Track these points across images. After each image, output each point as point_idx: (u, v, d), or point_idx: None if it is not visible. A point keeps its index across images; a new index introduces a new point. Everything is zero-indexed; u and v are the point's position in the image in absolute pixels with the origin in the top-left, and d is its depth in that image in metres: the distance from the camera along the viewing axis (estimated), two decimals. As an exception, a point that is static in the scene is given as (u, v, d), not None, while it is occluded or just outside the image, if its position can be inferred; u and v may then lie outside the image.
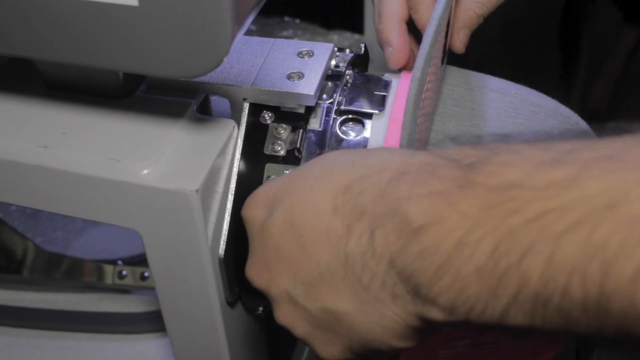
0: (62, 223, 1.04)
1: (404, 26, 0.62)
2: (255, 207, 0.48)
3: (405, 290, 0.39)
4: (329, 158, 0.46)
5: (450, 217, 0.36)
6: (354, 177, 0.42)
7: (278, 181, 0.48)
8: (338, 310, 0.43)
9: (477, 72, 0.64)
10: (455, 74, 0.62)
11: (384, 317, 0.41)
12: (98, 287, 0.92)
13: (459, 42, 0.64)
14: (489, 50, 1.80)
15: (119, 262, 0.93)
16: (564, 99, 1.76)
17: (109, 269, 0.91)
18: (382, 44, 0.62)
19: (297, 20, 1.44)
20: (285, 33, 1.41)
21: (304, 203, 0.44)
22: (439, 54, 0.55)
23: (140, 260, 0.94)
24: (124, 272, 0.91)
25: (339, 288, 0.42)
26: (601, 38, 1.86)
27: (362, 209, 0.41)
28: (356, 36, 1.37)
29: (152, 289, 0.91)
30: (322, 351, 0.46)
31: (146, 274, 0.90)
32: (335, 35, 1.38)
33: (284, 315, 0.46)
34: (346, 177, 0.42)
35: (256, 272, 0.47)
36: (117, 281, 0.91)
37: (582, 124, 0.61)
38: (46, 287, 0.93)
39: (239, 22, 0.42)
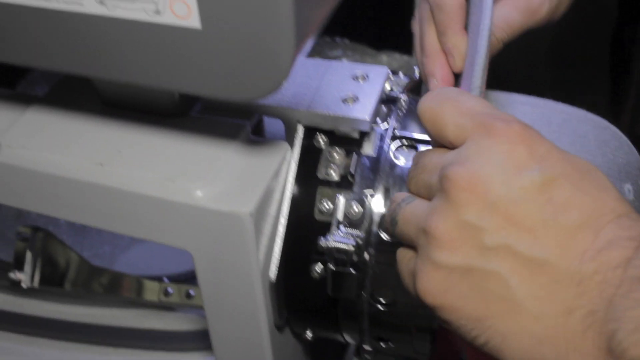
0: (110, 238, 1.04)
1: (445, 57, 0.62)
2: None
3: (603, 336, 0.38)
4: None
5: None
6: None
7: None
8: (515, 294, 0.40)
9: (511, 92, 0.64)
10: (485, 95, 0.62)
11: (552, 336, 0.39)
12: (142, 303, 0.92)
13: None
14: (536, 72, 1.78)
15: (165, 280, 0.93)
16: (613, 123, 1.73)
17: (154, 286, 0.91)
18: (426, 76, 0.63)
19: (347, 41, 1.44)
20: (334, 53, 1.41)
21: None
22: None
23: (186, 279, 0.95)
24: (170, 290, 0.91)
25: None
26: (653, 61, 1.84)
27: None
28: (405, 57, 1.37)
29: (197, 307, 0.91)
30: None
31: (192, 292, 0.90)
32: (384, 56, 1.38)
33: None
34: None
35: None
36: (163, 298, 0.91)
37: (613, 128, 0.61)
38: (91, 301, 0.94)
39: (299, 45, 0.42)
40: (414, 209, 0.45)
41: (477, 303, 0.41)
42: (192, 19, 0.41)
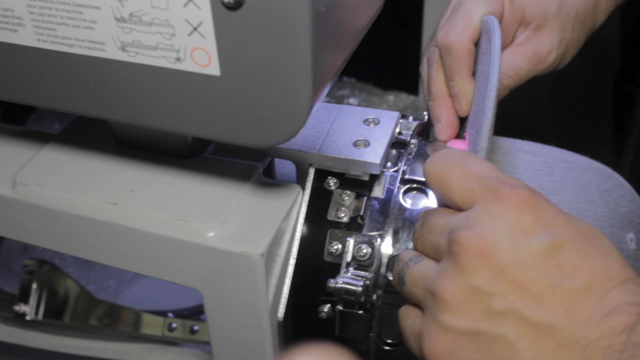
0: (115, 272, 1.05)
1: (452, 102, 0.64)
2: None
3: None
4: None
5: None
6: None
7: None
8: None
9: (510, 138, 0.65)
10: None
11: None
12: (147, 338, 0.93)
13: None
14: (540, 111, 1.80)
15: (170, 315, 0.94)
16: (616, 162, 1.73)
17: (158, 320, 0.92)
18: (433, 119, 0.64)
19: (354, 80, 1.46)
20: (342, 92, 1.43)
21: None
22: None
23: (190, 314, 0.95)
24: (174, 325, 0.91)
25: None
26: (656, 102, 1.85)
27: None
28: (412, 97, 1.38)
29: (201, 342, 0.91)
30: None
31: (196, 328, 0.91)
32: (391, 96, 1.40)
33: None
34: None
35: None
36: (167, 333, 0.91)
37: (616, 176, 0.61)
38: (94, 335, 0.94)
39: (316, 95, 0.43)
40: (422, 270, 0.46)
41: None
42: (212, 67, 0.42)
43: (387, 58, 1.49)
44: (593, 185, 0.58)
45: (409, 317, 0.47)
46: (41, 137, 0.63)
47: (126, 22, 0.42)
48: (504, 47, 0.67)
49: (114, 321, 0.92)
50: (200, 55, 0.42)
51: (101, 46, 0.44)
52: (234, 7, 0.39)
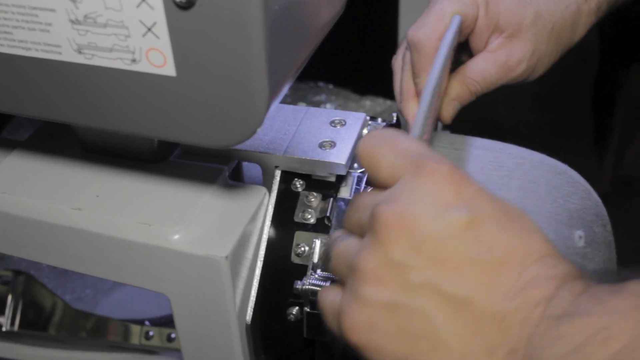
0: (92, 282, 1.04)
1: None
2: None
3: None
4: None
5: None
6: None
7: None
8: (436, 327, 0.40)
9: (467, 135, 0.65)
10: (442, 137, 0.63)
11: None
12: (124, 347, 0.92)
13: (447, 114, 0.65)
14: (522, 116, 1.80)
15: (147, 323, 0.93)
16: (597, 165, 1.74)
17: (135, 329, 0.91)
18: (406, 117, 0.64)
19: (330, 86, 1.46)
20: (318, 98, 1.43)
21: None
22: (430, 127, 0.56)
23: (167, 322, 0.94)
24: (151, 333, 0.91)
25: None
26: (635, 104, 1.86)
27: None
28: (388, 102, 1.38)
29: (179, 350, 0.91)
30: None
31: (173, 336, 0.90)
32: (367, 101, 1.40)
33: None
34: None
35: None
36: (144, 342, 0.90)
37: (570, 173, 0.61)
38: (73, 345, 0.93)
39: (273, 93, 0.42)
40: (346, 246, 0.45)
41: (402, 342, 0.41)
42: (167, 67, 0.42)
43: (364, 63, 1.49)
44: (542, 181, 0.58)
45: (328, 295, 0.46)
46: (7, 145, 0.62)
47: (81, 24, 0.42)
48: (476, 51, 0.67)
49: (92, 331, 0.91)
50: (156, 56, 0.42)
51: (57, 49, 0.44)
52: (186, 6, 0.39)
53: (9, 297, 0.91)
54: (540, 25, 0.66)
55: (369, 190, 0.48)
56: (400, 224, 0.40)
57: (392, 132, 0.46)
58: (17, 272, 0.92)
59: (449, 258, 0.40)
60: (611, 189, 1.85)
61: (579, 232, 0.57)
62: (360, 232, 0.45)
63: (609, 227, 0.62)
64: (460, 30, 0.63)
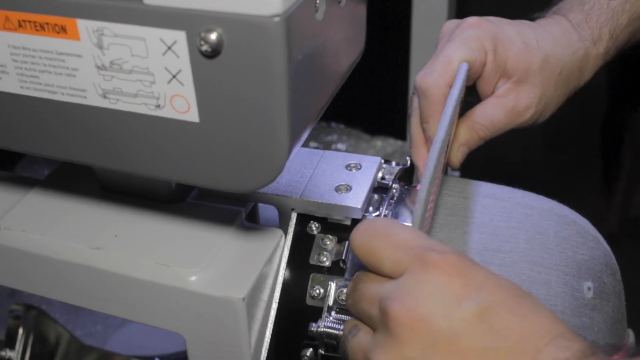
0: (102, 317, 1.05)
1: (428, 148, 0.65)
2: None
3: None
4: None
5: None
6: None
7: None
8: None
9: (475, 180, 0.65)
10: (451, 183, 0.63)
11: None
12: (134, 383, 0.92)
13: (456, 159, 0.66)
14: (530, 156, 1.81)
15: (156, 359, 0.93)
16: (605, 206, 1.74)
17: (146, 365, 0.91)
18: (415, 165, 0.65)
19: (342, 126, 1.47)
20: (330, 138, 1.44)
21: None
22: (440, 173, 0.57)
23: (177, 359, 0.95)
24: (161, 370, 0.91)
25: None
26: (643, 145, 1.87)
27: None
28: (399, 142, 1.39)
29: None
30: None
31: (183, 373, 0.90)
32: (378, 141, 1.41)
33: None
34: None
35: None
36: (154, 378, 0.91)
37: (580, 222, 0.61)
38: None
39: (294, 140, 0.43)
40: (359, 342, 0.46)
41: None
42: (190, 113, 0.43)
43: (375, 104, 1.50)
44: (551, 232, 0.58)
45: None
46: (27, 183, 0.63)
47: (107, 69, 0.43)
48: (484, 96, 0.68)
49: (101, 366, 0.92)
50: (180, 102, 0.43)
51: (83, 93, 0.45)
52: (212, 55, 0.40)
53: (20, 332, 0.92)
54: (547, 70, 0.67)
55: (369, 274, 0.48)
56: (414, 323, 0.41)
57: (384, 223, 0.47)
58: (29, 307, 0.92)
59: (464, 352, 0.40)
60: (619, 230, 1.85)
61: (588, 284, 0.57)
62: (371, 324, 0.46)
63: (618, 276, 0.62)
64: (468, 75, 0.64)
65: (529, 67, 0.66)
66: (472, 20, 0.66)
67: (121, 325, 1.05)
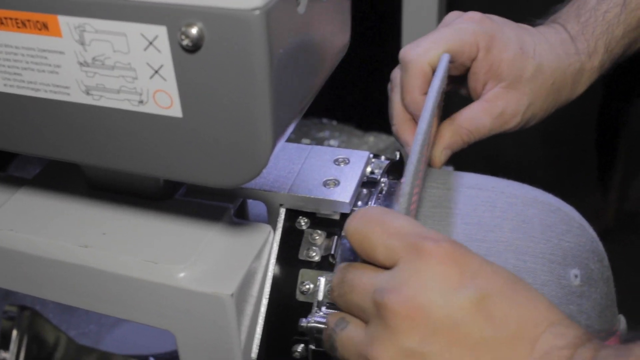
0: (96, 317, 1.04)
1: (414, 123, 0.64)
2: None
3: None
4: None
5: None
6: None
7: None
8: None
9: (458, 171, 0.65)
10: (434, 175, 0.63)
11: None
12: (129, 382, 0.92)
13: (439, 161, 0.65)
14: (527, 152, 1.81)
15: (151, 359, 0.93)
16: (601, 200, 1.74)
17: (140, 364, 0.91)
18: (401, 145, 0.64)
19: (334, 122, 1.47)
20: (322, 134, 1.44)
21: None
22: (423, 165, 0.57)
23: (172, 358, 0.94)
24: (155, 369, 0.91)
25: None
26: (638, 139, 1.87)
27: None
28: (392, 138, 1.39)
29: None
30: None
31: (177, 371, 0.90)
32: (371, 137, 1.41)
33: None
34: None
35: None
36: (148, 377, 0.90)
37: (565, 209, 0.61)
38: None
39: (278, 134, 0.43)
40: (350, 335, 0.46)
41: None
42: (174, 109, 0.43)
43: (367, 100, 1.50)
44: (536, 220, 0.58)
45: None
46: (15, 182, 0.63)
47: (89, 66, 0.43)
48: (472, 92, 0.67)
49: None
50: (162, 98, 0.42)
51: (66, 90, 0.45)
52: (193, 49, 0.40)
53: (14, 333, 0.92)
54: (540, 79, 0.66)
55: (359, 264, 0.48)
56: (412, 313, 0.41)
57: (379, 211, 0.47)
58: (22, 308, 0.92)
59: (464, 340, 0.41)
60: (615, 224, 1.86)
61: (575, 271, 0.57)
62: (363, 316, 0.45)
63: (605, 262, 0.62)
64: (456, 66, 0.63)
65: (521, 73, 0.65)
66: (474, 14, 0.66)
67: (115, 325, 1.05)
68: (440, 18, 1.37)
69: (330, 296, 0.49)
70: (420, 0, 1.34)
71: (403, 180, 0.50)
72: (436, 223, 0.58)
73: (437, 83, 0.56)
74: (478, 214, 0.58)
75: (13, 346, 0.91)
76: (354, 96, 1.53)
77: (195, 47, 0.39)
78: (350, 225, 0.47)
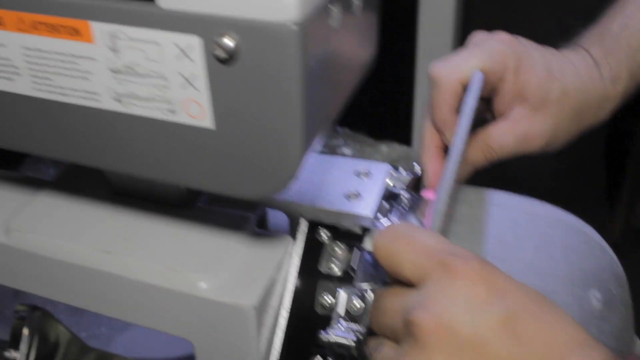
0: (107, 319, 1.04)
1: (439, 152, 0.65)
2: None
3: None
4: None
5: None
6: None
7: None
8: None
9: (481, 187, 0.65)
10: (459, 191, 0.63)
11: None
12: (138, 386, 0.92)
13: (461, 177, 0.65)
14: (535, 165, 1.81)
15: (162, 363, 0.93)
16: (608, 216, 1.73)
17: (151, 369, 0.91)
18: (422, 167, 0.65)
19: (347, 130, 1.47)
20: (335, 142, 1.44)
21: None
22: (455, 183, 0.57)
23: (182, 363, 0.94)
24: (166, 374, 0.91)
25: None
26: (647, 156, 1.87)
27: None
28: (404, 148, 1.39)
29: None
30: None
31: (187, 377, 0.90)
32: (384, 146, 1.40)
33: None
34: None
35: None
36: (158, 382, 0.90)
37: (586, 231, 0.60)
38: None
39: (306, 147, 0.43)
40: (384, 356, 0.46)
41: None
42: (205, 119, 0.43)
43: (380, 108, 1.50)
44: (558, 241, 0.58)
45: None
46: (36, 183, 0.63)
47: (121, 73, 0.43)
48: (498, 113, 0.67)
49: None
50: (194, 108, 0.42)
51: (96, 96, 0.45)
52: (227, 60, 0.40)
53: (25, 332, 0.91)
54: (565, 102, 0.66)
55: (390, 289, 0.48)
56: (440, 330, 0.41)
57: (408, 227, 0.47)
58: (34, 308, 0.92)
59: (490, 359, 0.40)
60: (621, 239, 1.85)
61: (596, 293, 0.57)
62: (395, 337, 0.46)
63: (625, 286, 0.62)
64: (484, 87, 0.63)
65: (547, 95, 0.65)
66: (503, 35, 0.66)
67: (125, 328, 1.04)
68: (455, 30, 1.36)
69: (370, 323, 0.50)
70: (436, 10, 1.34)
71: (426, 193, 0.50)
72: (459, 239, 0.58)
73: (473, 101, 0.56)
74: (501, 233, 0.58)
75: (23, 346, 0.91)
76: (367, 105, 1.53)
77: (229, 58, 0.39)
78: (378, 241, 0.47)
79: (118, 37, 0.42)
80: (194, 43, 0.40)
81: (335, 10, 0.43)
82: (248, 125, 0.42)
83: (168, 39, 0.40)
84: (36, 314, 0.92)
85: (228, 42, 0.39)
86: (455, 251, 0.44)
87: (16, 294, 1.10)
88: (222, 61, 0.40)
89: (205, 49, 0.40)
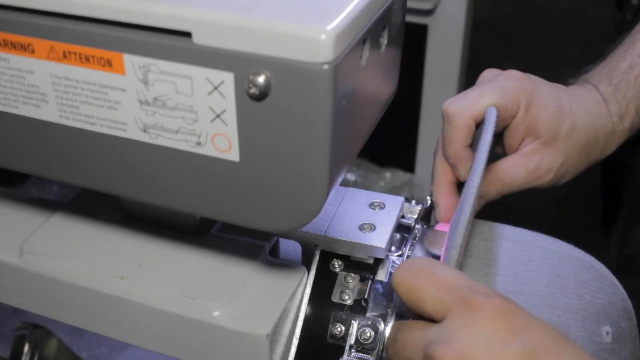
0: (107, 339, 1.04)
1: (451, 187, 0.66)
2: None
3: None
4: None
5: None
6: None
7: None
8: None
9: (493, 222, 0.65)
10: (473, 226, 0.63)
11: None
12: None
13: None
14: (531, 194, 1.82)
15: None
16: (603, 244, 1.74)
17: (150, 389, 0.91)
18: (433, 203, 0.65)
19: (353, 157, 1.48)
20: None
21: None
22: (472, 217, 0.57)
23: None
24: (165, 395, 0.90)
25: None
26: (642, 185, 1.89)
27: None
28: (408, 175, 1.40)
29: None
30: None
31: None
32: (388, 173, 1.41)
33: None
34: None
35: None
36: (158, 404, 0.90)
37: (598, 267, 0.62)
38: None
39: (332, 183, 0.44)
40: None
41: None
42: (231, 153, 0.43)
43: (385, 135, 1.51)
44: (570, 276, 0.59)
45: None
46: (49, 206, 0.63)
47: (150, 105, 0.43)
48: (508, 149, 0.68)
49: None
50: (221, 141, 0.43)
51: (123, 126, 0.45)
52: (259, 98, 0.40)
53: (25, 350, 0.91)
54: (574, 138, 0.68)
55: (410, 322, 0.49)
56: None
57: (427, 262, 0.48)
58: (34, 326, 0.92)
59: None
60: (616, 267, 1.86)
61: (607, 328, 0.58)
62: None
63: (634, 321, 0.62)
64: (496, 123, 0.64)
65: (557, 131, 0.67)
66: (514, 72, 0.67)
67: (126, 347, 1.04)
68: (462, 62, 1.38)
69: (385, 355, 0.50)
70: (443, 39, 1.36)
71: (440, 227, 0.51)
72: (473, 273, 0.59)
73: (489, 136, 0.57)
74: (514, 267, 0.59)
75: (23, 364, 0.91)
76: (372, 131, 1.54)
77: (261, 95, 0.40)
78: (398, 276, 0.47)
79: (150, 70, 0.42)
80: (226, 79, 0.40)
81: (365, 50, 0.44)
82: (275, 159, 0.42)
83: (201, 74, 0.41)
84: (37, 332, 0.92)
85: (261, 79, 0.39)
86: (477, 287, 0.44)
87: (15, 311, 1.10)
88: (254, 98, 0.40)
89: (237, 85, 0.40)
